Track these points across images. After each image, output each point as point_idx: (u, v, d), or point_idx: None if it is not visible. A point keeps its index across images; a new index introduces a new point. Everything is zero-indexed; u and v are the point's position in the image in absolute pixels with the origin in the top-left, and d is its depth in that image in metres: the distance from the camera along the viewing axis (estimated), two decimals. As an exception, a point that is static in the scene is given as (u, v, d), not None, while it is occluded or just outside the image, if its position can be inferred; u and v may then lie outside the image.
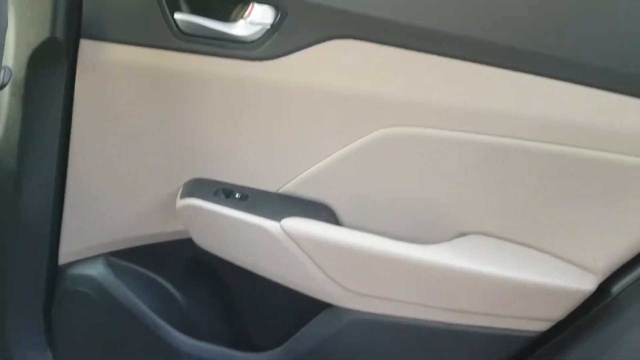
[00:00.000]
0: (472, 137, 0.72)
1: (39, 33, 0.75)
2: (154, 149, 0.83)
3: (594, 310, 0.76)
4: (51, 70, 0.78)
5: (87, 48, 0.78)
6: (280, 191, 0.81)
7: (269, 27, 0.74)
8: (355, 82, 0.74)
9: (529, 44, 0.69)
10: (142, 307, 0.91)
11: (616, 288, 0.75)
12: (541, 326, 0.78)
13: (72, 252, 0.90)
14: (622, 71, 0.68)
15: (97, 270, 0.90)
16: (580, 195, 0.72)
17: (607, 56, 0.68)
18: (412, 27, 0.70)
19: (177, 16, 0.76)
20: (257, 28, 0.74)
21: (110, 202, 0.86)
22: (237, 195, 0.81)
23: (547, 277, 0.73)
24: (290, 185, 0.80)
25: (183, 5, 0.77)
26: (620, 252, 0.73)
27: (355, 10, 0.71)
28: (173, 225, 0.86)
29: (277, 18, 0.74)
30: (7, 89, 0.78)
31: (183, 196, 0.81)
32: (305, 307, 0.84)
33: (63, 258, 0.90)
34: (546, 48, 0.68)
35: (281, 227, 0.76)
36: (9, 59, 0.76)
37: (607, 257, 0.74)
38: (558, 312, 0.75)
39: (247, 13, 0.75)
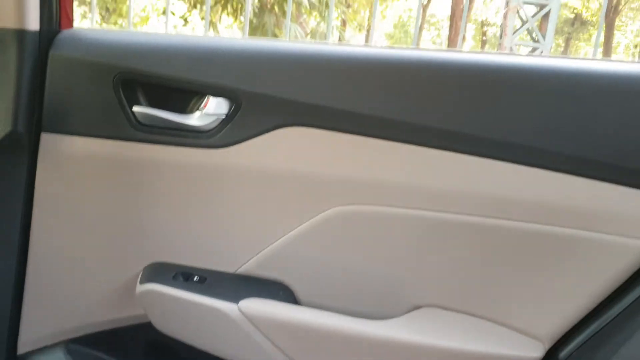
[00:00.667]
0: (421, 213, 0.76)
1: (1, 127, 0.78)
2: (113, 235, 0.84)
3: None
4: (12, 162, 0.81)
5: (48, 140, 0.81)
6: (238, 272, 0.83)
7: (223, 117, 0.79)
8: (307, 166, 0.78)
9: (470, 128, 0.74)
10: None
11: (563, 354, 0.78)
12: None
13: (31, 340, 0.89)
14: (557, 151, 0.72)
15: (57, 359, 0.89)
16: (525, 266, 0.76)
17: (544, 137, 0.72)
18: (357, 115, 0.75)
19: (136, 109, 0.80)
20: (212, 118, 0.79)
21: (70, 289, 0.87)
22: (195, 278, 0.82)
23: (497, 347, 0.76)
24: (248, 266, 0.83)
25: (141, 99, 0.81)
26: (565, 318, 0.77)
27: (304, 100, 0.76)
28: (133, 310, 0.86)
29: (232, 109, 0.78)
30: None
31: (142, 281, 0.82)
32: None
33: (22, 347, 0.89)
34: (485, 132, 0.73)
35: (239, 309, 0.77)
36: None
37: (553, 324, 0.77)
38: None
39: (202, 105, 0.80)
